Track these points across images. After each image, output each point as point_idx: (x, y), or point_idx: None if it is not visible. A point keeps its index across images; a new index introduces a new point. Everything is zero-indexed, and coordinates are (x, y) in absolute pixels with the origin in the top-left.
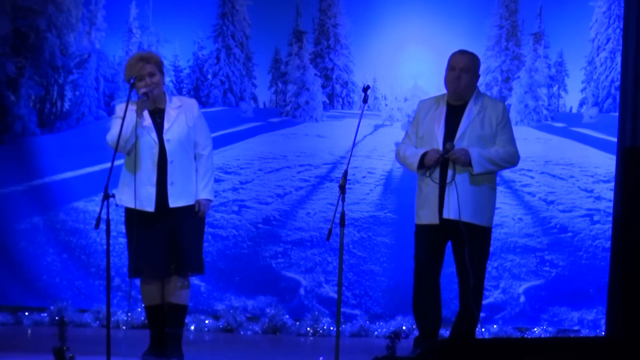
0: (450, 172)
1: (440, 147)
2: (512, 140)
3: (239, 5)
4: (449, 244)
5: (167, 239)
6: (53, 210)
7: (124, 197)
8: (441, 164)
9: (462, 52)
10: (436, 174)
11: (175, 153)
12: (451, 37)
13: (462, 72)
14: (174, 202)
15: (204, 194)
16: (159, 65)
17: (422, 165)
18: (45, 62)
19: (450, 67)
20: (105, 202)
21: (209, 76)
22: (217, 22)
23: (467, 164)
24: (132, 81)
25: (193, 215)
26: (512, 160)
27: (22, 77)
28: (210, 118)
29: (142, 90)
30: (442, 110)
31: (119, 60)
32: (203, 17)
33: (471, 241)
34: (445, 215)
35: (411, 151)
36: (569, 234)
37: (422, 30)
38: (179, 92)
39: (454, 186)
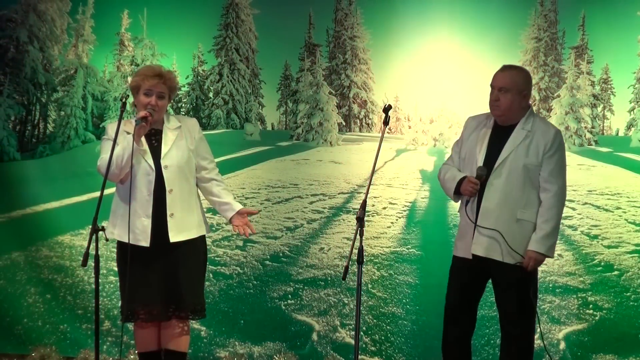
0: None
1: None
2: (557, 172)
3: (245, 15)
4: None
5: (164, 278)
6: (35, 245)
7: (116, 230)
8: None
9: (503, 69)
10: (473, 205)
11: (174, 181)
12: (483, 50)
13: (501, 92)
14: (175, 236)
15: (238, 205)
16: (172, 90)
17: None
18: (27, 78)
19: (491, 86)
20: (94, 236)
21: (211, 95)
22: (220, 34)
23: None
24: (125, 98)
25: (194, 252)
26: (563, 200)
27: (0, 96)
28: (211, 141)
29: (142, 114)
30: (488, 131)
31: (109, 77)
32: (204, 28)
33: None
34: (473, 251)
35: (451, 174)
36: (616, 272)
37: (450, 44)
38: (177, 112)
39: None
